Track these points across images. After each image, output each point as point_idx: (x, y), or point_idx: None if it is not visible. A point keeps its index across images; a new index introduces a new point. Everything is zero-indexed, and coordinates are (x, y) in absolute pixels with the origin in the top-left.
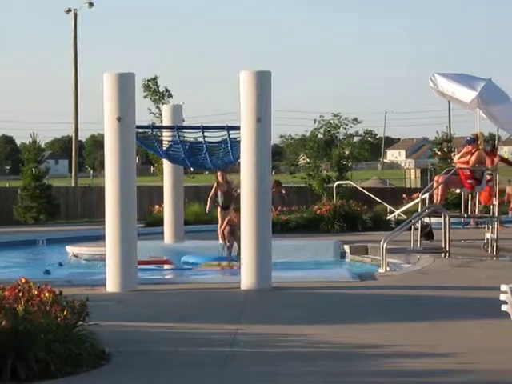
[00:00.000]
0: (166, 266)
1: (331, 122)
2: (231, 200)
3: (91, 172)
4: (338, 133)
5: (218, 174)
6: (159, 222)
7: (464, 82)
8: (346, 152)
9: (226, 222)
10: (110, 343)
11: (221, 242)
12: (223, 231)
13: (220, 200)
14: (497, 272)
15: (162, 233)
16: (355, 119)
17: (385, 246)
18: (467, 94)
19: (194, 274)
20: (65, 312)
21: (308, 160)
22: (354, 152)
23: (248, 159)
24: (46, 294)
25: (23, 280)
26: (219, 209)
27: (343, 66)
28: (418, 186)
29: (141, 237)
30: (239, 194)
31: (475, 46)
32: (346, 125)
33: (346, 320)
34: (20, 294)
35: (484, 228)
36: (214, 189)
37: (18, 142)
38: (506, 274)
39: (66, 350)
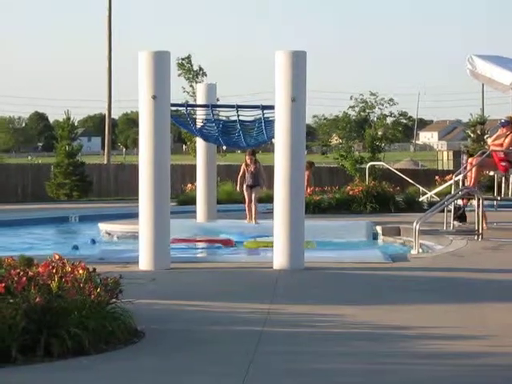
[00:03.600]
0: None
1: (367, 100)
2: (258, 179)
3: (124, 150)
4: (373, 112)
5: (247, 156)
6: (192, 201)
7: (503, 63)
8: (379, 133)
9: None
10: (143, 321)
11: (248, 219)
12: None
13: (248, 180)
14: None
15: (195, 211)
16: (391, 100)
17: (417, 227)
18: (507, 76)
19: (226, 253)
20: (98, 289)
21: (340, 140)
22: (388, 133)
23: (282, 139)
24: (80, 271)
25: (57, 257)
26: (245, 187)
27: (379, 46)
28: (451, 168)
29: (173, 215)
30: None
31: None
32: (382, 105)
33: (378, 301)
34: (54, 271)
35: None
36: (242, 169)
37: (51, 119)
38: None
39: (99, 327)
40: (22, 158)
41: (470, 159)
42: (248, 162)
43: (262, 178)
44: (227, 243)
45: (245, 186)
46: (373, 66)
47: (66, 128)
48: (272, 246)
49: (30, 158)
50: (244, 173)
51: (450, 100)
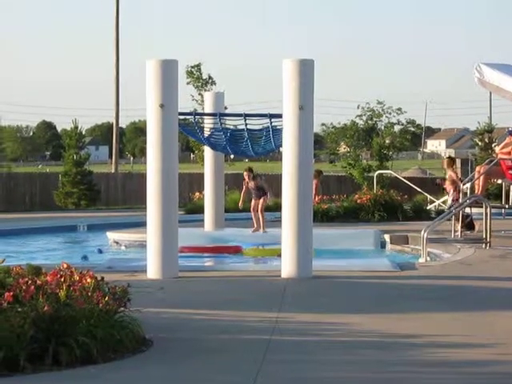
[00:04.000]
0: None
1: (375, 109)
2: (262, 191)
3: (131, 158)
4: (381, 121)
5: (245, 173)
6: (200, 209)
7: (511, 72)
8: (387, 141)
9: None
10: (151, 329)
11: (255, 227)
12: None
13: (253, 195)
14: None
15: (203, 220)
16: (399, 109)
17: (425, 235)
18: None
19: (234, 262)
20: (106, 298)
21: (348, 149)
22: (395, 141)
23: (290, 147)
24: (88, 280)
25: (65, 265)
26: (253, 202)
27: (386, 54)
28: (459, 176)
29: (181, 224)
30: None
31: None
32: (390, 114)
33: (386, 309)
34: (62, 280)
35: None
36: (244, 186)
37: (59, 128)
38: None
39: (108, 335)
40: (29, 167)
41: (477, 167)
42: (246, 178)
43: (267, 189)
44: (236, 250)
45: (253, 202)
46: (380, 73)
47: (73, 137)
48: (274, 254)
49: (40, 166)
50: (247, 189)
51: (458, 108)
